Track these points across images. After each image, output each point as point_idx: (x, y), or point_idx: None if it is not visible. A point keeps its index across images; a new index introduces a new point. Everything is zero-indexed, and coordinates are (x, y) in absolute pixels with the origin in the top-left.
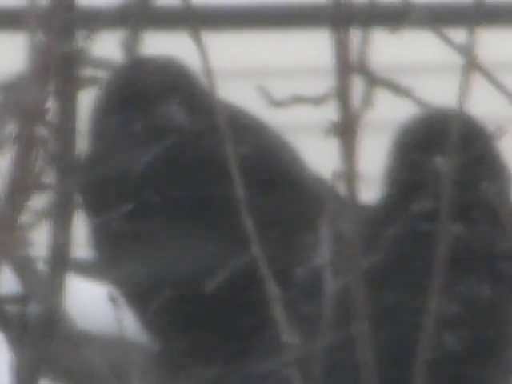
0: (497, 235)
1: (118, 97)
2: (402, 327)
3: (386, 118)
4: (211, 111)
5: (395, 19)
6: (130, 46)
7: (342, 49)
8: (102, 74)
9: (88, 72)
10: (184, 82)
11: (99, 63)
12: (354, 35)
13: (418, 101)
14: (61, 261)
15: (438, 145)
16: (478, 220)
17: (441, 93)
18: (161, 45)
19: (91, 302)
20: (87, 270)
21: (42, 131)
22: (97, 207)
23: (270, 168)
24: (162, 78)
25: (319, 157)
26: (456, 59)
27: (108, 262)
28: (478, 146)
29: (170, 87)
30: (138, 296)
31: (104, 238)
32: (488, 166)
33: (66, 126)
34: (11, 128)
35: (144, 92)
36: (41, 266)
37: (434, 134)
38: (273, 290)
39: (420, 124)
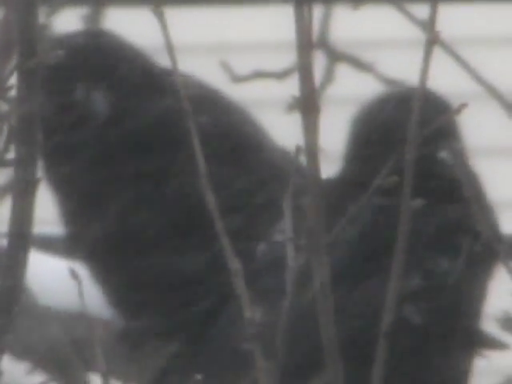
0: (456, 210)
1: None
2: (363, 300)
3: (348, 93)
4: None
5: None
6: (91, 22)
7: (303, 24)
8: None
9: (49, 48)
10: (112, 61)
11: (60, 40)
12: (316, 10)
13: (380, 76)
14: (22, 236)
15: (400, 123)
16: (437, 195)
17: (403, 68)
18: (122, 21)
19: (53, 278)
20: (50, 245)
21: (4, 106)
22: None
23: (230, 138)
24: (85, 57)
25: (282, 131)
26: (418, 35)
27: (74, 235)
28: (439, 121)
29: (94, 68)
30: (103, 270)
31: (67, 210)
32: (449, 142)
33: (28, 101)
34: None
35: (63, 71)
36: (2, 242)
37: (396, 112)
38: (234, 264)
39: (381, 102)
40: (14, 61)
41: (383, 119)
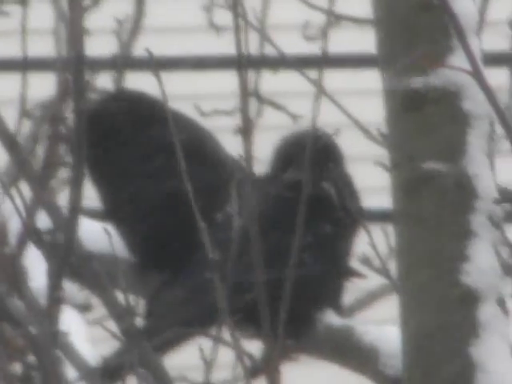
0: (335, 201)
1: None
2: (278, 249)
3: (270, 124)
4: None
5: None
6: (117, 81)
7: (243, 81)
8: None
9: (91, 96)
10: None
11: (99, 91)
12: (250, 73)
13: (290, 114)
14: (75, 207)
15: (301, 149)
16: (327, 187)
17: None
18: (136, 81)
19: (94, 234)
20: (92, 213)
21: (63, 131)
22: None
23: (200, 149)
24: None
25: (232, 146)
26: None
27: (107, 210)
28: (326, 152)
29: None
30: (124, 228)
31: (106, 197)
32: (333, 161)
33: (78, 128)
34: (46, 129)
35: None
36: (64, 210)
37: (299, 143)
38: (202, 225)
39: (293, 137)
40: (70, 103)
41: (295, 148)
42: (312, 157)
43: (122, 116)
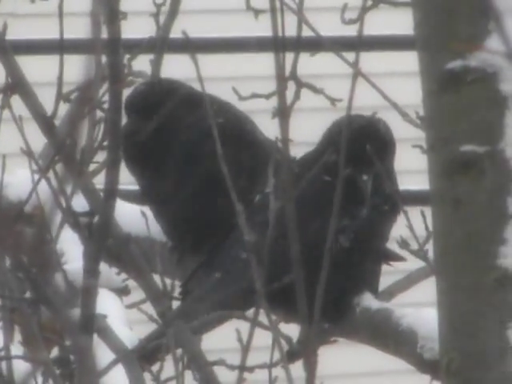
0: (373, 183)
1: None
2: (316, 231)
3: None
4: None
5: (314, 45)
6: (155, 64)
7: (280, 63)
8: (137, 80)
9: (129, 79)
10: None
11: (136, 74)
12: (288, 55)
13: (328, 97)
14: (112, 190)
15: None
16: (365, 172)
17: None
18: (173, 64)
19: (131, 216)
20: (129, 196)
21: (100, 114)
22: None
23: (237, 132)
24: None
25: (269, 129)
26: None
27: (143, 192)
28: (370, 136)
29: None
30: (161, 211)
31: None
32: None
33: (115, 111)
34: (83, 112)
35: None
36: (100, 193)
37: (345, 130)
38: (238, 207)
39: (339, 122)
40: (106, 85)
41: (340, 132)
42: (353, 140)
43: (160, 102)
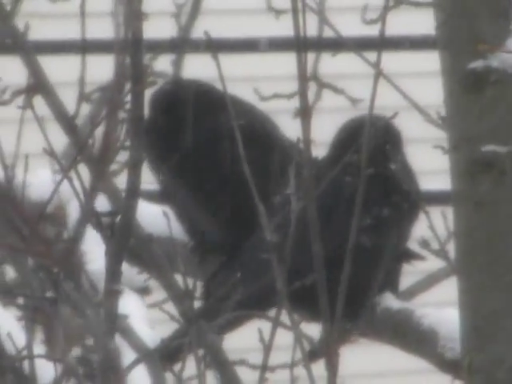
0: (394, 184)
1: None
2: (337, 231)
3: (329, 107)
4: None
5: (335, 46)
6: (176, 64)
7: (302, 64)
8: (159, 81)
9: (150, 79)
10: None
11: (157, 74)
12: (310, 55)
13: (348, 97)
14: (134, 190)
15: (361, 133)
16: (395, 167)
17: (362, 93)
18: (195, 64)
19: (153, 216)
20: (151, 197)
21: (122, 114)
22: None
23: (258, 133)
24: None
25: (290, 129)
26: (370, 70)
27: (165, 193)
28: (386, 136)
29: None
30: (183, 211)
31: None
32: (393, 148)
33: (137, 111)
34: (105, 112)
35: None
36: (123, 193)
37: (360, 129)
38: (260, 207)
39: (353, 121)
40: (129, 86)
41: (356, 132)
42: (371, 140)
43: (184, 102)
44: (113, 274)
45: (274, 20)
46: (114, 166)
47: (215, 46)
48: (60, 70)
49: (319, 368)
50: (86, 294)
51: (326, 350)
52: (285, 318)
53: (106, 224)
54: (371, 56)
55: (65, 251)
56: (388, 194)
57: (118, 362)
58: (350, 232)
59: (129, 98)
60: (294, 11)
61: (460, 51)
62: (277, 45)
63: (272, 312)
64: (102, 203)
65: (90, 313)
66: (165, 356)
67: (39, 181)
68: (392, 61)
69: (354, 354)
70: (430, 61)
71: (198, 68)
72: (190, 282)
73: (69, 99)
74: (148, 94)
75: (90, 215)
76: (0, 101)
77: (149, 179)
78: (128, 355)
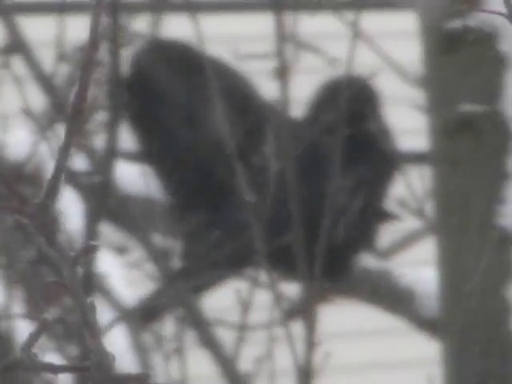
0: (372, 143)
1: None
2: (315, 191)
3: (307, 68)
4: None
5: (311, 6)
6: (153, 25)
7: (279, 25)
8: (134, 41)
9: (128, 37)
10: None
11: (135, 34)
12: (287, 16)
13: (327, 58)
14: (112, 150)
15: (338, 94)
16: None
17: (340, 53)
18: (172, 24)
19: (130, 176)
20: (129, 156)
21: (98, 72)
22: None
23: (236, 93)
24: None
25: (268, 89)
26: (348, 31)
27: (143, 152)
28: (364, 95)
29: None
30: (161, 170)
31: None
32: (370, 108)
33: (113, 69)
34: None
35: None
36: (100, 153)
37: (338, 89)
38: (239, 168)
39: (331, 82)
40: (105, 45)
41: (333, 93)
42: (349, 100)
43: (162, 61)
44: (90, 232)
45: None
46: (92, 126)
47: (193, 6)
48: (38, 29)
49: (298, 327)
50: (63, 252)
51: (304, 310)
52: (263, 277)
53: (84, 184)
54: (350, 16)
55: (39, 206)
56: (365, 154)
57: (94, 319)
58: (327, 191)
59: (105, 57)
60: None
61: (438, 11)
62: (255, 4)
63: (250, 271)
64: (81, 163)
65: (66, 270)
66: (143, 315)
67: (17, 141)
68: (370, 20)
69: (332, 314)
70: (408, 21)
71: (175, 28)
72: (169, 241)
73: (47, 59)
74: (126, 53)
75: (62, 171)
76: None
77: (127, 138)
78: (106, 314)
